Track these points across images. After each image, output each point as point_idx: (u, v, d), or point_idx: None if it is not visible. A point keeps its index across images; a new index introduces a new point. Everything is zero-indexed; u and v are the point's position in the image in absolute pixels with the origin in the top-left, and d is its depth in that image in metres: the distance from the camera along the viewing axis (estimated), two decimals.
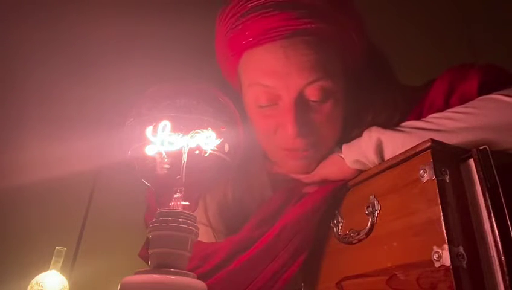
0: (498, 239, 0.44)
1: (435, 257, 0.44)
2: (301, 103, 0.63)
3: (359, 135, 0.64)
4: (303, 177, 0.67)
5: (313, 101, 0.64)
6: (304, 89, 0.63)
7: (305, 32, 0.62)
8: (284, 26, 0.61)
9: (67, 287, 1.04)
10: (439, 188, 0.47)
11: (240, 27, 0.64)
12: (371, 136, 0.60)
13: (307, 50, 0.62)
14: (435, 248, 0.44)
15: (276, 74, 0.62)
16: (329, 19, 0.63)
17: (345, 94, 0.68)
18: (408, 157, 0.53)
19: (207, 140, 0.49)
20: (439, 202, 0.46)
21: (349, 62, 0.69)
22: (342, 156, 0.65)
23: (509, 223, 0.44)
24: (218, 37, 0.70)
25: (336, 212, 0.64)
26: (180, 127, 0.48)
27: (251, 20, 0.63)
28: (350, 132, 0.68)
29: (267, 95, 0.64)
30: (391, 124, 0.63)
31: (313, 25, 0.62)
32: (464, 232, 0.45)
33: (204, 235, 0.68)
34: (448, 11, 1.72)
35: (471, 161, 0.49)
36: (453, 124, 0.56)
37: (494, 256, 0.44)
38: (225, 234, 0.70)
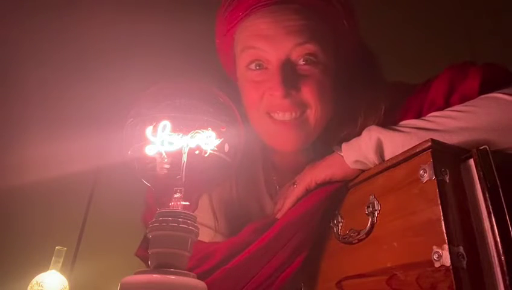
0: (498, 239, 0.44)
1: (435, 257, 0.44)
2: (289, 65, 0.66)
3: (351, 135, 0.64)
4: (308, 184, 0.66)
5: (301, 64, 0.66)
6: (292, 52, 0.65)
7: (294, 0, 0.66)
8: None
9: (67, 287, 1.04)
10: (439, 188, 0.47)
11: (236, 2, 0.68)
12: (371, 136, 0.60)
13: (295, 15, 0.65)
14: (435, 248, 0.44)
15: (266, 37, 0.65)
16: None
17: (335, 70, 0.70)
18: (408, 157, 0.53)
19: (207, 140, 0.49)
20: (439, 202, 0.46)
21: (341, 45, 0.71)
22: (342, 155, 0.65)
23: (509, 223, 0.44)
24: (219, 20, 0.72)
25: (336, 212, 0.64)
26: (180, 127, 0.48)
27: None
28: (341, 131, 0.68)
29: (257, 58, 0.67)
30: (376, 120, 0.65)
31: None
32: (464, 232, 0.45)
33: (205, 236, 0.68)
34: (448, 9, 1.72)
35: (471, 161, 0.49)
36: (454, 123, 0.56)
37: (494, 256, 0.44)
38: (226, 235, 0.70)
